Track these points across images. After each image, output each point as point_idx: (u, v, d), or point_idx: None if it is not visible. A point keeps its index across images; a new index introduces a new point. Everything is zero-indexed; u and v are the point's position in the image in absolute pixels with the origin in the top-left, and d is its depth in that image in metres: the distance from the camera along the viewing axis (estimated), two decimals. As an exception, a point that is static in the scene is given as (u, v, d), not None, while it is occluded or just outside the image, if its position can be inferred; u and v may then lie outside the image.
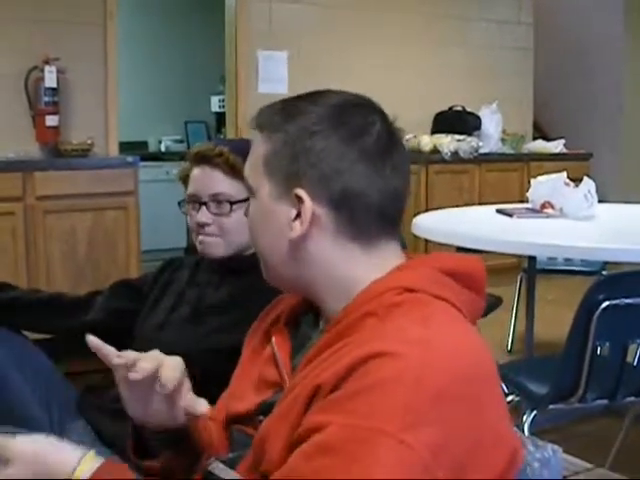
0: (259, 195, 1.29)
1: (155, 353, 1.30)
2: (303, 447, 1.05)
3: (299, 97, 1.30)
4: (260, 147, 1.28)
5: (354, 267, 1.25)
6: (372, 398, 1.03)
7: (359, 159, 1.23)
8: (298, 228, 1.24)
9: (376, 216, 1.25)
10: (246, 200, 1.92)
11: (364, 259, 1.26)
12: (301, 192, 1.22)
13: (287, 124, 1.25)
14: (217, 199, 2.06)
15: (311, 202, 1.22)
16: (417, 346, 1.07)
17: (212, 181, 2.06)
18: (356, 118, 1.25)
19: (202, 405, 1.31)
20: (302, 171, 1.22)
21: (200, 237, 2.10)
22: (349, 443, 1.01)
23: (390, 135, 1.27)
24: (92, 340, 1.25)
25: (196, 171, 2.10)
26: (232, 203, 2.04)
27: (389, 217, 1.27)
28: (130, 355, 1.27)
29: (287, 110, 1.27)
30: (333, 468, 1.01)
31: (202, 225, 2.07)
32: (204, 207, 2.07)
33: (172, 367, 1.28)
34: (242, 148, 1.99)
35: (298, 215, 1.23)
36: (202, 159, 2.08)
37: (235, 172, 2.00)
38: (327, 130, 1.23)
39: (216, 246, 2.08)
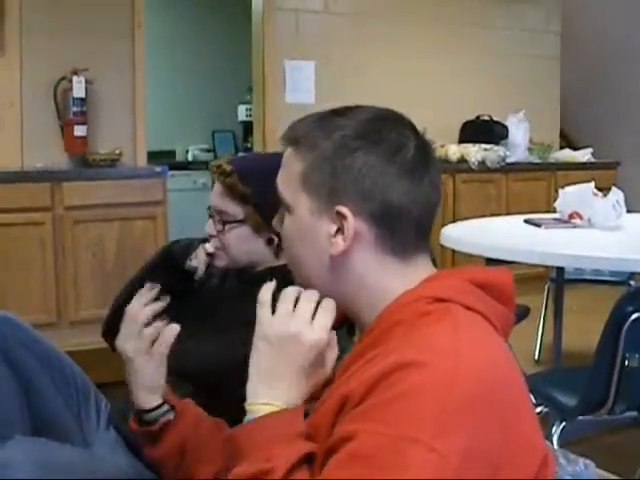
0: (297, 211, 1.28)
1: None
2: (335, 457, 1.06)
3: (331, 112, 1.30)
4: (295, 163, 1.28)
5: (391, 280, 1.26)
6: (402, 407, 1.04)
7: (400, 175, 1.23)
8: (340, 244, 1.24)
9: (414, 230, 1.26)
10: (239, 222, 2.06)
11: (400, 272, 1.26)
12: (343, 209, 1.22)
13: (324, 140, 1.25)
14: (219, 214, 2.14)
15: (353, 218, 1.22)
16: (446, 356, 1.07)
17: (216, 196, 2.14)
18: (392, 133, 1.25)
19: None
20: (343, 188, 1.23)
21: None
22: (380, 452, 1.02)
23: (425, 148, 1.28)
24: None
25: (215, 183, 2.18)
26: (225, 223, 2.09)
27: (425, 230, 1.29)
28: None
29: (322, 126, 1.27)
30: (365, 477, 1.01)
31: (210, 235, 2.16)
32: (211, 219, 2.16)
33: None
34: (248, 167, 2.10)
35: (338, 231, 1.24)
36: (214, 173, 2.14)
37: (232, 193, 2.07)
38: (367, 146, 1.23)
39: (219, 257, 2.16)
